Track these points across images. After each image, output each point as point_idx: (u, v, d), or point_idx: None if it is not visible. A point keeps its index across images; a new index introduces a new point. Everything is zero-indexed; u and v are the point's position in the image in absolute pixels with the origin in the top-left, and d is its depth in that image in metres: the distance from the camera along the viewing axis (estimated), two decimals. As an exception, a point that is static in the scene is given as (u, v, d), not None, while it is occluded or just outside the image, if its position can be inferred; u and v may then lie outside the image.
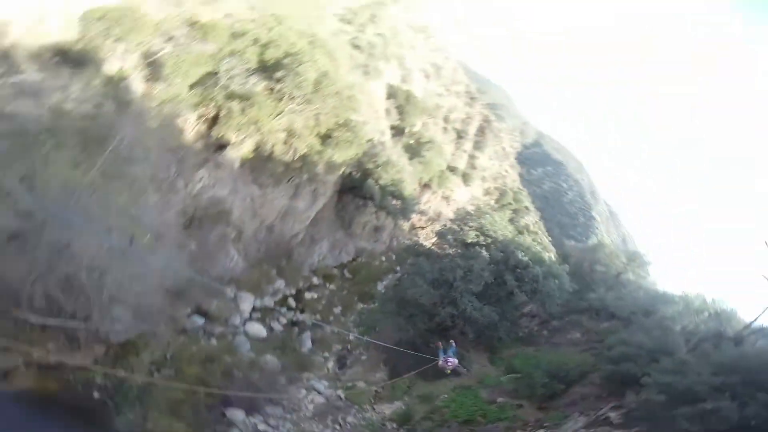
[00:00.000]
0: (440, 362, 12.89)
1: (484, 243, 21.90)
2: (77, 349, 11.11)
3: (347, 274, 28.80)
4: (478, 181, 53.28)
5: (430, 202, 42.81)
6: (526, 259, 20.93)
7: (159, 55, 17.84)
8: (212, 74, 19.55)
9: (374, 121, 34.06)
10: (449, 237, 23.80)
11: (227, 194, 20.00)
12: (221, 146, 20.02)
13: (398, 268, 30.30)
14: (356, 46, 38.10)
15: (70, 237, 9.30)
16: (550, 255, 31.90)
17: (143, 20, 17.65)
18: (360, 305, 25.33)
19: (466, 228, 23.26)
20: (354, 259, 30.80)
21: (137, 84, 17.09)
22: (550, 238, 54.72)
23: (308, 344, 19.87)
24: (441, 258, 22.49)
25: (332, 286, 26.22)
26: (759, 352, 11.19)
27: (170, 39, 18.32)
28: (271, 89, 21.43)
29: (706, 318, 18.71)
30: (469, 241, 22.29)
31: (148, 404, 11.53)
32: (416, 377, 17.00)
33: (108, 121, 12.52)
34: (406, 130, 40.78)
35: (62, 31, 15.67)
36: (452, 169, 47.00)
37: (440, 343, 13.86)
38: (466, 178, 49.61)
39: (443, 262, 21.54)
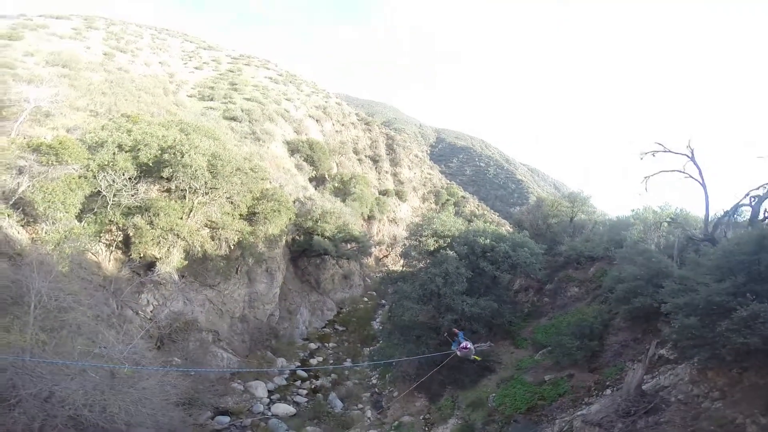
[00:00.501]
0: (458, 352, 12.40)
1: (445, 244, 21.95)
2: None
3: (339, 328, 28.89)
4: (412, 193, 54.79)
5: (381, 231, 42.90)
6: (488, 241, 21.16)
7: (20, 192, 15.22)
8: (94, 195, 17.46)
9: (291, 181, 33.62)
10: (413, 253, 23.58)
11: (183, 306, 18.56)
12: (150, 265, 18.20)
13: (383, 301, 29.84)
14: (232, 118, 37.41)
15: (48, 387, 8.71)
16: (506, 227, 32.97)
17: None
18: (366, 349, 25.37)
19: (423, 238, 23.22)
20: (339, 312, 30.91)
21: (14, 231, 14.56)
22: (496, 214, 57.42)
23: (339, 404, 19.59)
24: (416, 275, 22.13)
25: (331, 344, 26.37)
26: (738, 244, 10.12)
27: (21, 171, 15.58)
28: (168, 190, 19.86)
29: (668, 228, 19.38)
30: (432, 248, 22.26)
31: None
32: (455, 388, 16.71)
33: (10, 280, 10.96)
34: (326, 176, 40.82)
35: None
36: (384, 193, 47.80)
37: (447, 337, 13.82)
38: (400, 195, 50.70)
39: (420, 277, 21.18)
